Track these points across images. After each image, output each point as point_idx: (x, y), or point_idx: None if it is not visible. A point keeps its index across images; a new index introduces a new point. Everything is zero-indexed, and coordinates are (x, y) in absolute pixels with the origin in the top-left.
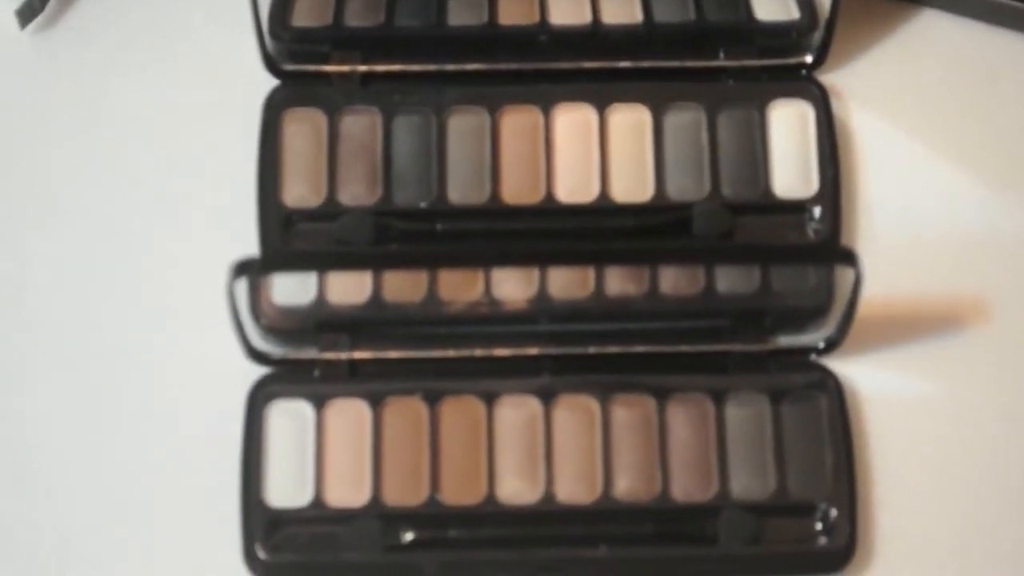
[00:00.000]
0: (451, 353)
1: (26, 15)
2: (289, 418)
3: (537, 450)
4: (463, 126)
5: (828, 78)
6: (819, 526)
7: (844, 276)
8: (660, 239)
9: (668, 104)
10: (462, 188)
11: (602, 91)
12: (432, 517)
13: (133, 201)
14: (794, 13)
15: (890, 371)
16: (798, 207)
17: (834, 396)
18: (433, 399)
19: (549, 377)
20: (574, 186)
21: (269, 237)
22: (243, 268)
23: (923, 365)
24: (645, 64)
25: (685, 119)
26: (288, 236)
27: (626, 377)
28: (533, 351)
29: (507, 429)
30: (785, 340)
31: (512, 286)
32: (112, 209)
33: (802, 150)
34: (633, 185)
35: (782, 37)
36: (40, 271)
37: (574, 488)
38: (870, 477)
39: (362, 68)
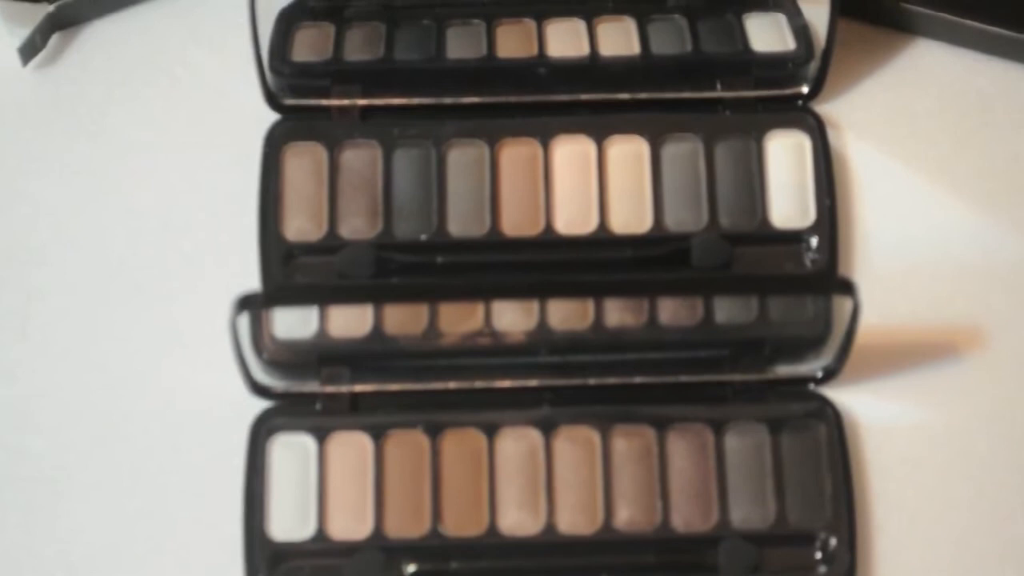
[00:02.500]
0: (452, 385)
1: (28, 52)
2: (291, 451)
3: (538, 481)
4: (462, 159)
5: (824, 108)
6: (819, 555)
7: (842, 306)
8: (659, 270)
9: (666, 135)
10: (462, 220)
11: (600, 123)
12: (434, 549)
13: (134, 236)
14: (790, 44)
15: (888, 399)
16: (795, 237)
17: (832, 425)
18: (434, 431)
19: (549, 408)
20: (573, 218)
21: (270, 271)
22: (245, 303)
23: (920, 393)
24: (643, 96)
25: (683, 150)
26: (289, 269)
27: (626, 408)
28: (533, 383)
29: (508, 461)
30: (784, 370)
31: (512, 318)
32: (114, 244)
33: (799, 180)
34: (631, 216)
35: (778, 68)
36: (43, 305)
37: (575, 519)
38: (869, 505)
39: (362, 102)
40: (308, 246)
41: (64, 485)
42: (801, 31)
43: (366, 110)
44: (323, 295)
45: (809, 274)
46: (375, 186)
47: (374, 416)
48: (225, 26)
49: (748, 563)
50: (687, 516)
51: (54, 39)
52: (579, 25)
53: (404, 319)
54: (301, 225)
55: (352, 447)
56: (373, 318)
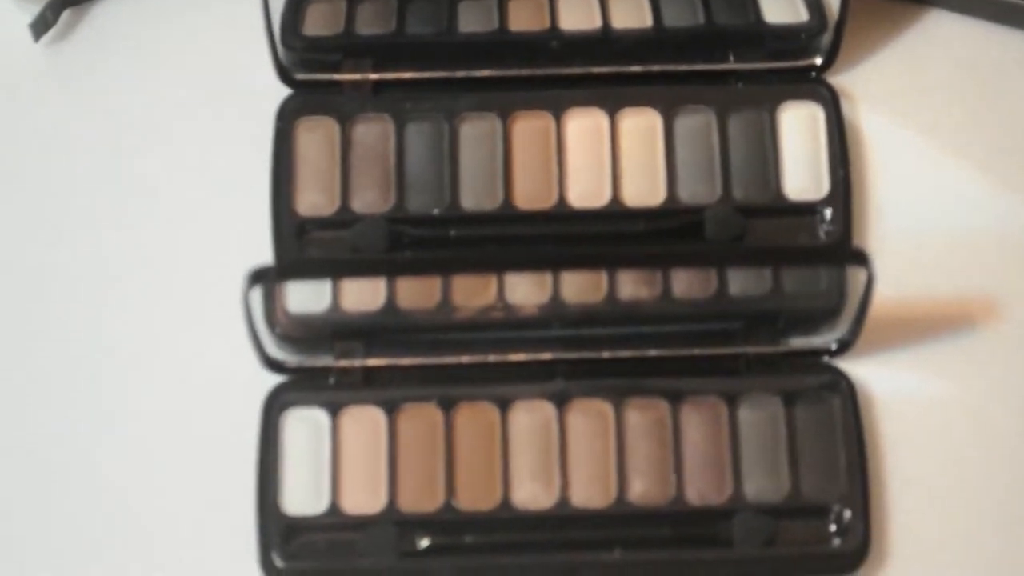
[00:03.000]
0: (465, 359)
1: (39, 28)
2: (305, 426)
3: (552, 455)
4: (475, 132)
5: (837, 80)
6: (833, 527)
7: (855, 278)
8: (672, 243)
9: (679, 108)
10: (475, 194)
11: (613, 96)
12: (448, 523)
13: (147, 210)
14: (803, 15)
15: (902, 372)
16: (809, 209)
17: (847, 397)
18: (448, 405)
19: (563, 382)
20: (586, 191)
21: (283, 245)
22: (258, 276)
23: (935, 365)
24: (655, 68)
25: (696, 123)
26: (302, 244)
27: (639, 381)
28: (547, 356)
29: (522, 434)
30: (797, 342)
31: (525, 291)
32: (126, 219)
33: (813, 152)
34: (645, 189)
35: (791, 39)
36: (56, 279)
37: (589, 492)
38: (883, 478)
39: (374, 76)
40: (321, 220)
41: (78, 459)
42: (814, 2)
43: (378, 84)
44: (335, 268)
45: (823, 245)
46: (387, 160)
47: (387, 390)
48: (235, 1)
49: (762, 536)
50: (701, 489)
51: (65, 15)
52: None
53: (417, 293)
54: (314, 199)
55: (365, 421)
56: (386, 292)
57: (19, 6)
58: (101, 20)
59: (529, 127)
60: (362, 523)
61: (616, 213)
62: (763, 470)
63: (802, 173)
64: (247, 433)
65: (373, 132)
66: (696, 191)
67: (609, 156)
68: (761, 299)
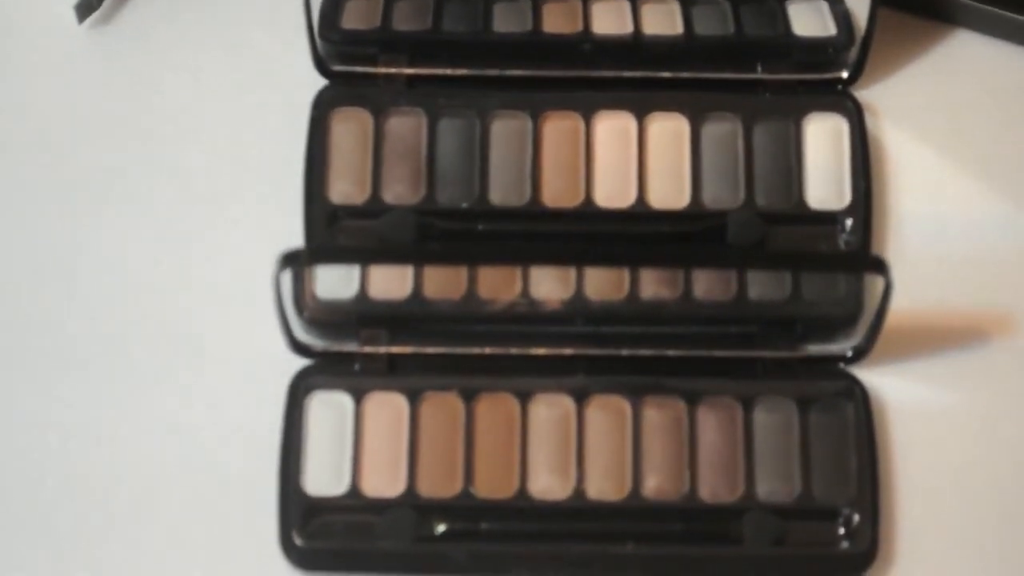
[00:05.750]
0: (488, 351)
1: (84, 10)
2: (329, 409)
3: (569, 447)
4: (506, 130)
5: (863, 94)
6: (842, 530)
7: (873, 287)
8: (695, 245)
9: (706, 114)
10: (503, 190)
11: (642, 100)
12: (465, 509)
13: (183, 194)
14: (831, 30)
15: (916, 381)
16: (830, 218)
17: (860, 404)
18: (469, 395)
19: (583, 377)
20: (612, 191)
21: (314, 232)
22: (290, 259)
23: (948, 376)
24: (684, 75)
25: (722, 129)
26: (332, 232)
27: (658, 379)
28: (568, 351)
29: (540, 426)
30: (814, 348)
31: (549, 287)
32: (162, 202)
33: (835, 163)
34: (670, 192)
35: (819, 53)
36: (91, 261)
37: (604, 485)
38: (893, 484)
39: (408, 71)
40: (352, 209)
41: (105, 436)
42: (842, 17)
43: (412, 79)
44: (365, 255)
45: (843, 252)
46: (419, 153)
47: (411, 378)
48: None
49: (772, 535)
50: (714, 487)
51: None
52: (624, 5)
53: (443, 284)
54: (345, 188)
55: (388, 407)
56: (413, 282)
57: None
58: (144, 5)
59: (559, 127)
60: (381, 506)
61: (641, 214)
62: (775, 471)
63: (824, 183)
64: (272, 414)
65: (406, 125)
66: (720, 196)
67: (636, 158)
68: (779, 304)
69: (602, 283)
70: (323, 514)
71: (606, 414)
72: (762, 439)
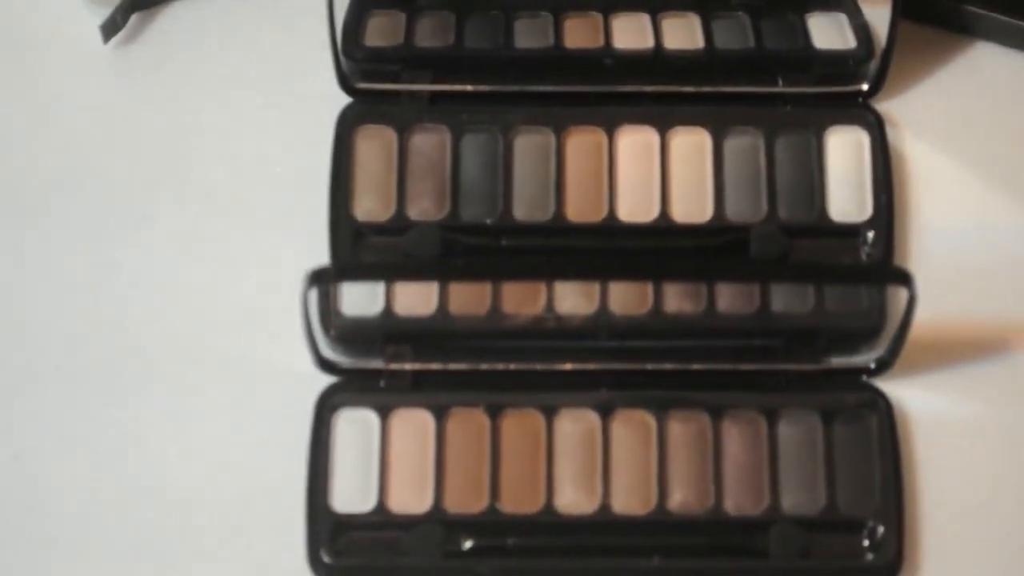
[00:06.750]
0: (513, 367)
1: (109, 30)
2: (355, 426)
3: (595, 462)
4: (529, 145)
5: (883, 106)
6: (867, 542)
7: (896, 299)
8: (718, 259)
9: (728, 128)
10: (527, 206)
11: (664, 114)
12: (491, 525)
13: (209, 211)
14: (851, 43)
15: (939, 393)
16: (852, 231)
17: (884, 416)
18: (495, 411)
19: (608, 392)
20: (635, 206)
21: (340, 249)
22: (317, 277)
23: (971, 388)
24: (706, 89)
25: (744, 143)
26: (358, 249)
27: (682, 393)
28: (592, 366)
29: (566, 441)
30: (837, 361)
31: (573, 302)
32: (188, 219)
33: (857, 175)
34: (693, 206)
35: (839, 65)
36: (117, 277)
37: (629, 500)
38: (917, 496)
39: (432, 87)
40: (376, 226)
41: (134, 454)
42: (862, 30)
43: (436, 96)
44: (390, 271)
45: (866, 264)
46: (443, 170)
47: (436, 394)
48: (298, 11)
49: (797, 547)
50: (739, 500)
51: (134, 18)
52: (645, 20)
53: (468, 300)
54: (370, 206)
55: (414, 424)
56: (438, 298)
57: (89, 9)
58: (169, 24)
59: (582, 142)
60: (408, 522)
61: (664, 229)
62: (800, 484)
63: (846, 196)
64: (299, 431)
65: (430, 142)
66: (742, 210)
67: (659, 173)
68: (803, 317)
69: (626, 298)
70: (351, 531)
71: (631, 429)
72: (786, 452)
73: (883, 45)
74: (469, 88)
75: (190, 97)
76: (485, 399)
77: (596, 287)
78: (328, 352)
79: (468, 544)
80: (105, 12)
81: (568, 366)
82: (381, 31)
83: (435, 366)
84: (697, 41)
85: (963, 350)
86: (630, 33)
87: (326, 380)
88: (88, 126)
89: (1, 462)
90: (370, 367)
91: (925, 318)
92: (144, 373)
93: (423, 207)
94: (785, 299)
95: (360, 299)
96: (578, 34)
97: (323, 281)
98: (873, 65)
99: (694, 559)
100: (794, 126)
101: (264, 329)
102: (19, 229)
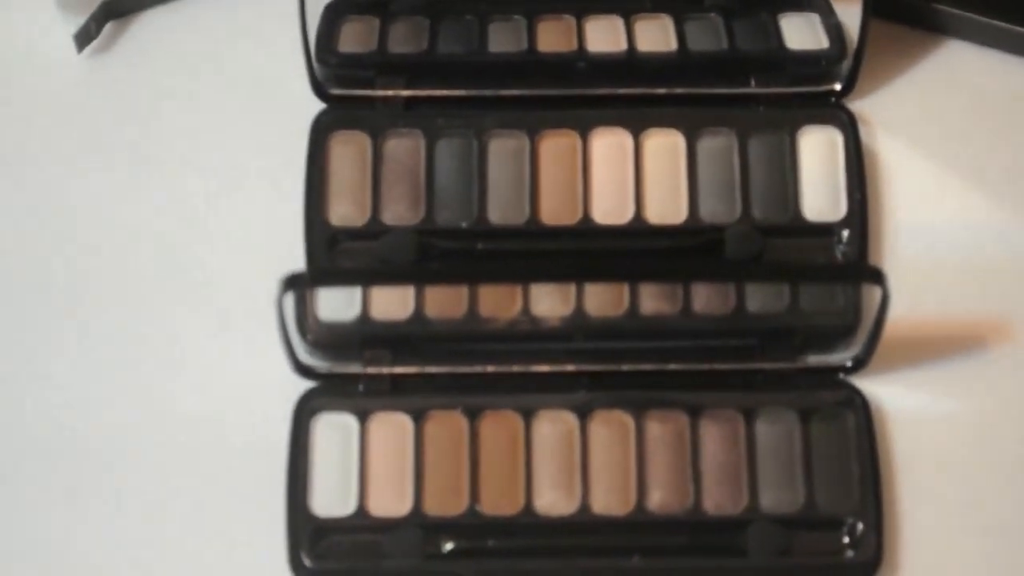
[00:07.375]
0: (490, 369)
1: (82, 40)
2: (334, 430)
3: (573, 463)
4: (503, 149)
5: (856, 106)
6: (846, 539)
7: (871, 297)
8: (693, 260)
9: (701, 129)
10: (502, 209)
11: (637, 116)
12: (471, 527)
13: (183, 219)
14: (824, 43)
15: (916, 390)
16: (827, 230)
17: (861, 414)
18: (473, 413)
19: (585, 393)
20: (610, 208)
21: (315, 255)
22: (292, 282)
23: (947, 384)
24: (679, 91)
25: (717, 144)
26: (333, 254)
27: (660, 394)
28: (570, 368)
29: (544, 443)
30: (813, 359)
31: (549, 304)
32: (163, 227)
33: (831, 175)
34: (667, 207)
35: (812, 66)
36: (91, 287)
37: (609, 500)
38: (896, 492)
39: (406, 93)
40: (352, 231)
41: (111, 462)
42: (834, 30)
43: (410, 101)
44: (366, 276)
45: (840, 263)
46: (418, 174)
47: (414, 397)
48: (272, 18)
49: (777, 546)
50: (718, 499)
51: (108, 27)
52: (617, 22)
53: (444, 304)
54: (345, 211)
55: (393, 427)
56: (414, 302)
57: (63, 18)
58: (142, 33)
59: (556, 145)
60: (388, 526)
61: (639, 230)
62: (778, 482)
63: (820, 195)
64: (278, 436)
65: (404, 147)
66: (717, 210)
67: (633, 175)
68: (778, 316)
69: (602, 299)
70: (331, 535)
71: (609, 429)
72: (764, 450)
73: (855, 44)
74: (443, 93)
75: (164, 106)
76: (463, 402)
77: (572, 289)
78: (306, 357)
79: (448, 546)
80: (79, 21)
81: (545, 368)
82: (355, 37)
83: (413, 370)
84: (670, 43)
85: (939, 347)
86: (603, 36)
87: (305, 385)
88: (62, 136)
89: None
90: (348, 371)
91: (900, 315)
92: (123, 379)
93: (398, 212)
94: (761, 299)
95: (337, 304)
96: (551, 37)
97: (298, 287)
98: (846, 65)
99: (674, 558)
100: (767, 126)
101: (241, 335)
102: None
